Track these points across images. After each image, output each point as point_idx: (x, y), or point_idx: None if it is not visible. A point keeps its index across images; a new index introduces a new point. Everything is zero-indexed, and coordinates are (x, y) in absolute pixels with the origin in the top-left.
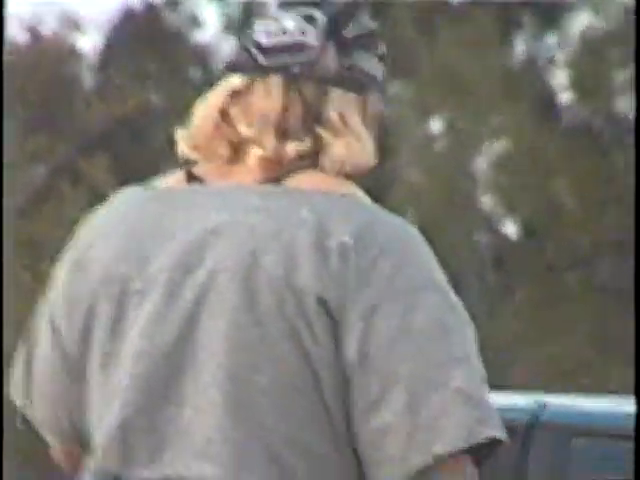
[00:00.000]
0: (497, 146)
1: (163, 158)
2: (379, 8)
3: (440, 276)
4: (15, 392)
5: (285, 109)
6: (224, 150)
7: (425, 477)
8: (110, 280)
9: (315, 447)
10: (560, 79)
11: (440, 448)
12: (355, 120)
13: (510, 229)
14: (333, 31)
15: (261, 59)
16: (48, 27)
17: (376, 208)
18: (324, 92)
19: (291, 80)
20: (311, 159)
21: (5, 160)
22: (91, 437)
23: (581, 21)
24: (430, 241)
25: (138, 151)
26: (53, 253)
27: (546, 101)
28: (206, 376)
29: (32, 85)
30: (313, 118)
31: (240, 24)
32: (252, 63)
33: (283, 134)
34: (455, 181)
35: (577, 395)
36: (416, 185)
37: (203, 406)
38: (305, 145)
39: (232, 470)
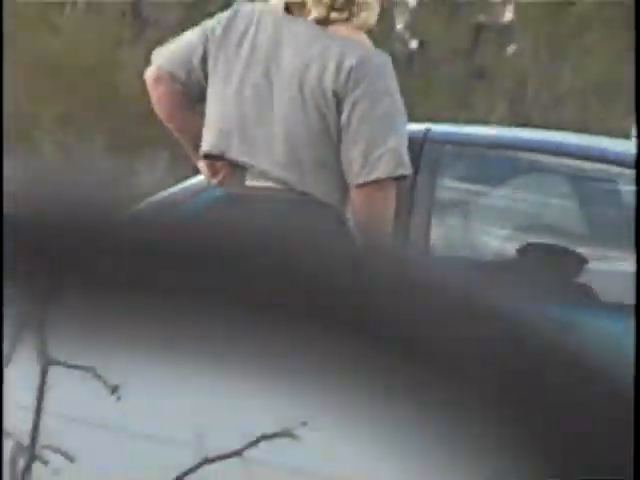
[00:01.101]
0: None
1: None
2: None
3: (394, 87)
4: (161, 57)
5: None
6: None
7: (368, 187)
8: (237, 43)
9: (328, 163)
10: None
11: (374, 176)
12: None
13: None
14: None
15: None
16: None
17: (371, 46)
18: None
19: None
20: (347, 21)
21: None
22: (206, 117)
23: None
24: None
25: None
26: None
27: None
28: (278, 116)
29: None
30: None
31: None
32: None
33: (331, 8)
34: None
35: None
36: None
37: (274, 139)
38: (343, 15)
39: (285, 171)
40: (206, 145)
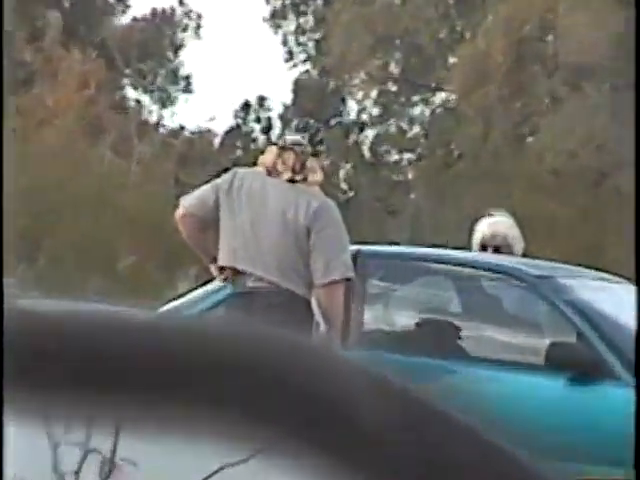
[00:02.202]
0: None
1: None
2: None
3: (341, 222)
4: (186, 201)
5: (295, 161)
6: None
7: (328, 285)
8: (237, 193)
9: (299, 270)
10: None
11: (332, 278)
12: (315, 167)
13: None
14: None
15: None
16: None
17: (323, 196)
18: (306, 159)
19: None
20: (305, 181)
21: None
22: (220, 240)
23: None
24: None
25: None
26: None
27: None
28: (266, 245)
29: None
30: (303, 167)
31: None
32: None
33: (293, 171)
34: None
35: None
36: None
37: (266, 255)
38: (300, 176)
39: (274, 276)
40: (222, 260)
